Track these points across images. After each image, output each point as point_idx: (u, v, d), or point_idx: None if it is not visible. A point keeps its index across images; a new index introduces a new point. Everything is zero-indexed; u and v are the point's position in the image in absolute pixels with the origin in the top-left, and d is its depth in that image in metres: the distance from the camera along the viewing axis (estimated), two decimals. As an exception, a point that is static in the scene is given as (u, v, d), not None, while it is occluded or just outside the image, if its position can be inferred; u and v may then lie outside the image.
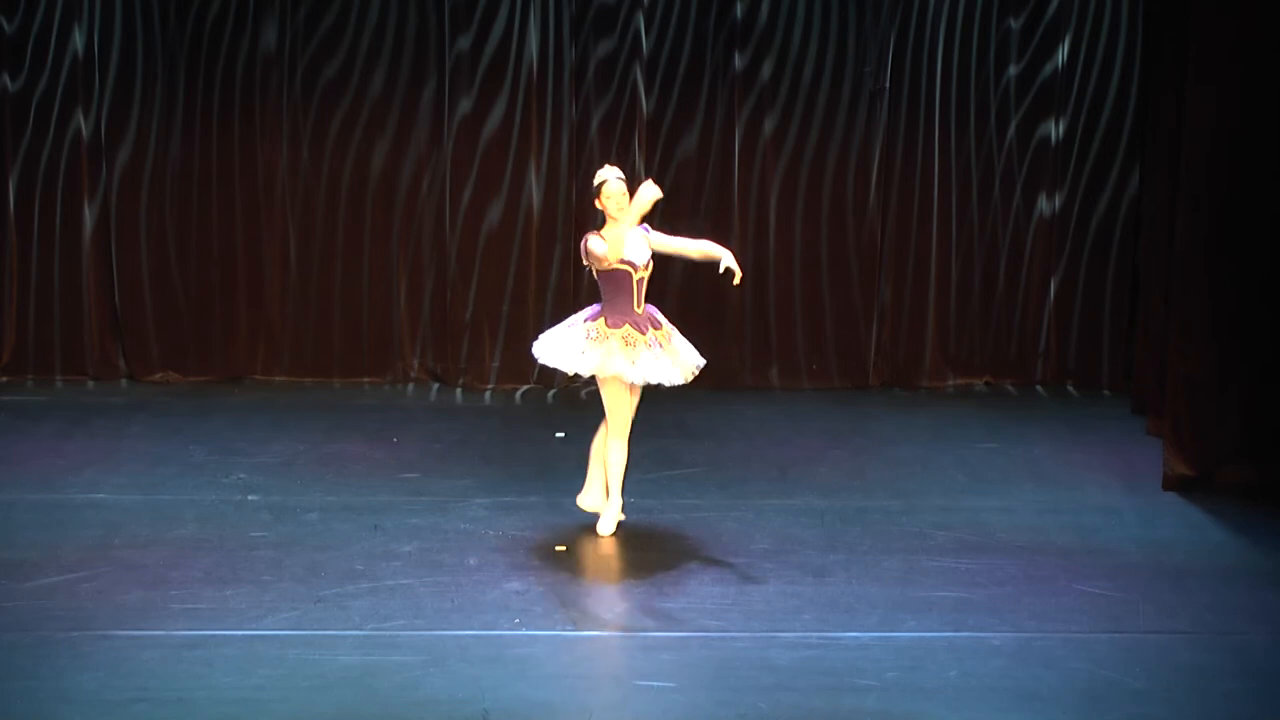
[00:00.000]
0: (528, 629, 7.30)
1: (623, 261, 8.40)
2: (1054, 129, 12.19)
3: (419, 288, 12.17)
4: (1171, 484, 9.55)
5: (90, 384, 11.97)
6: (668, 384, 8.50)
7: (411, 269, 12.16)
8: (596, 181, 8.54)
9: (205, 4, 11.82)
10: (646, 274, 8.50)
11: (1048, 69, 12.15)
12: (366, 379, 12.18)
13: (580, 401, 11.83)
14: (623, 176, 8.52)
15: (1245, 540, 8.76)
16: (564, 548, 8.40)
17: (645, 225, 8.54)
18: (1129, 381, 11.99)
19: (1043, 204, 12.28)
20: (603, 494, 8.73)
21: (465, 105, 11.97)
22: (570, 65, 11.96)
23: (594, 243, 8.40)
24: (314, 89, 11.97)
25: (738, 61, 12.01)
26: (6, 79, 11.85)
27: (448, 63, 11.93)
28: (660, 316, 8.61)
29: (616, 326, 8.43)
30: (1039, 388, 12.32)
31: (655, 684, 6.78)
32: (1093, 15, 12.09)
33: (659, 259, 8.62)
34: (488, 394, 12.00)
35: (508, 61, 11.95)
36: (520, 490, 9.43)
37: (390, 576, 7.93)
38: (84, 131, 11.89)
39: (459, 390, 12.05)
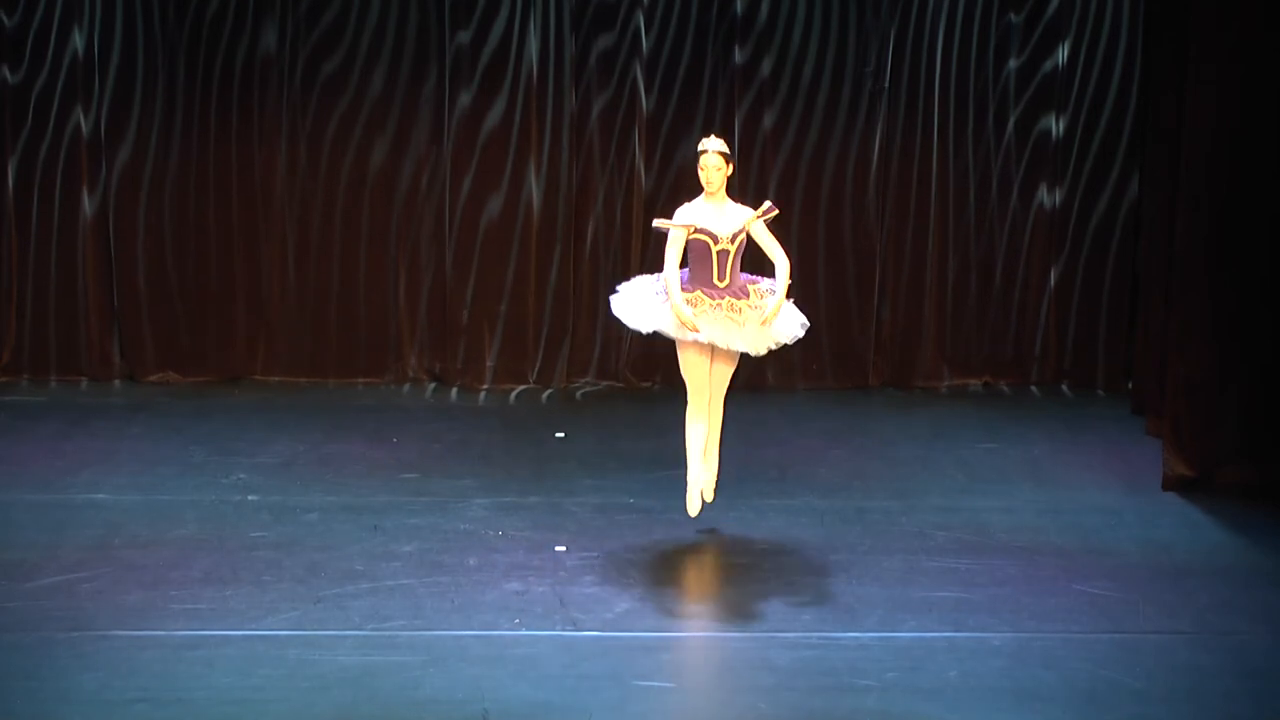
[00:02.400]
0: (528, 629, 7.30)
1: (700, 230, 8.31)
2: (1054, 126, 12.19)
3: (417, 287, 12.16)
4: (1171, 484, 9.54)
5: (89, 384, 11.96)
6: (722, 345, 8.34)
7: (410, 268, 12.15)
8: (699, 149, 8.48)
9: (204, 1, 11.81)
10: (732, 247, 8.32)
11: (1048, 65, 12.15)
12: (367, 379, 12.16)
13: (576, 402, 11.83)
14: (723, 150, 8.40)
15: (1245, 540, 8.76)
16: (564, 547, 8.40)
17: (770, 205, 8.48)
18: (1128, 381, 12.00)
19: (1043, 199, 12.27)
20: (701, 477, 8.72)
21: (465, 101, 11.96)
22: (570, 60, 11.94)
23: (676, 215, 8.39)
24: (313, 86, 11.95)
25: (738, 56, 12.00)
26: (6, 71, 11.83)
27: (448, 57, 11.92)
28: (757, 290, 8.42)
29: (688, 291, 8.33)
30: (1033, 388, 12.30)
31: (655, 684, 6.78)
32: (1093, 15, 12.09)
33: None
34: (482, 395, 11.96)
35: (508, 56, 11.94)
36: (520, 490, 9.43)
37: (390, 576, 7.92)
38: (84, 129, 11.87)
39: (456, 390, 12.03)
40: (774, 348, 8.50)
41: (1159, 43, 11.13)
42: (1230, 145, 9.33)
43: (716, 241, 8.32)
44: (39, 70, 11.81)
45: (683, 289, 8.30)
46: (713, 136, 8.51)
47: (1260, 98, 9.27)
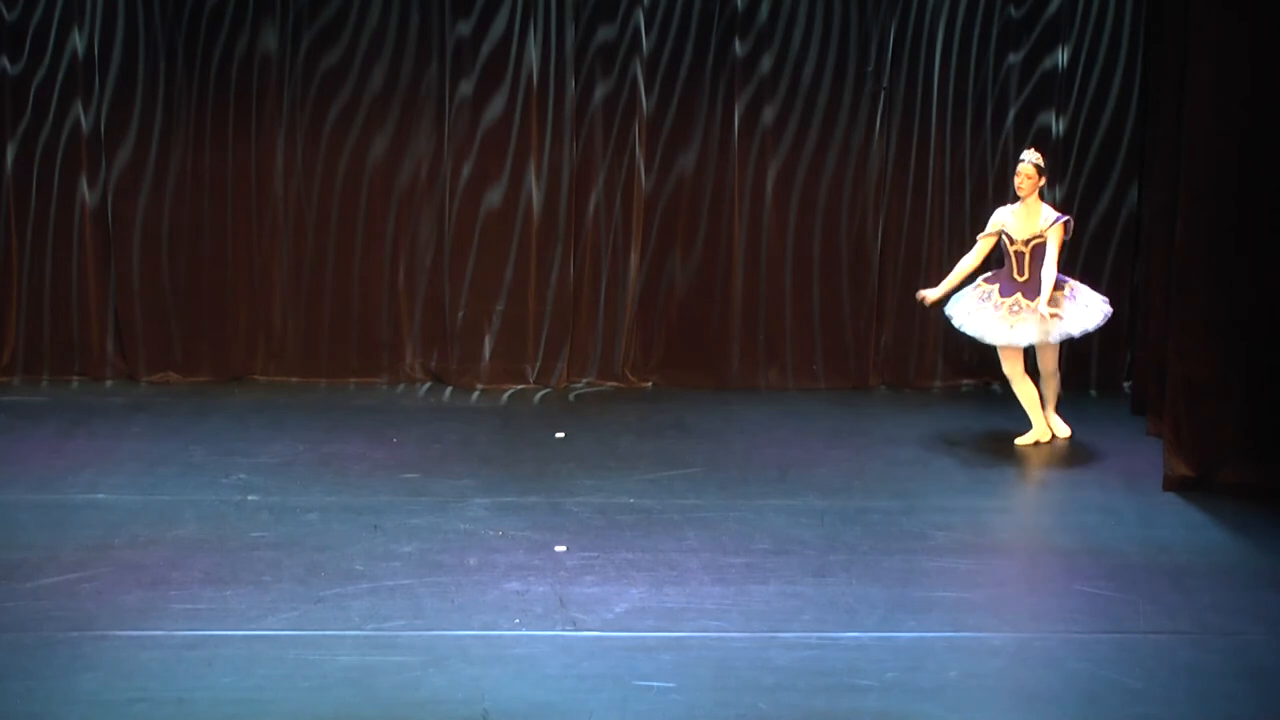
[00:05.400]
0: (528, 629, 7.30)
1: (1002, 233, 10.27)
2: (1054, 124, 12.17)
3: (416, 285, 12.15)
4: (1171, 484, 9.54)
5: (90, 384, 11.95)
6: (990, 341, 10.38)
7: (409, 266, 12.13)
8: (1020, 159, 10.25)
9: (204, -4, 11.83)
10: (1025, 249, 10.17)
11: (1048, 63, 12.13)
12: (367, 379, 12.15)
13: (575, 402, 11.82)
14: (1036, 161, 10.24)
15: (1245, 540, 8.76)
16: (564, 547, 8.40)
17: (1065, 218, 10.26)
18: (1124, 382, 12.00)
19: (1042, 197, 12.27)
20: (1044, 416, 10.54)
21: (465, 97, 11.94)
22: (571, 53, 11.93)
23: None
24: (313, 81, 11.93)
25: (738, 51, 11.98)
26: (6, 62, 11.81)
27: (448, 49, 11.89)
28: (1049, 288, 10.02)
29: (989, 283, 10.34)
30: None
31: (655, 684, 6.78)
32: (1095, 14, 12.08)
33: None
34: (476, 394, 11.93)
35: (509, 48, 11.92)
36: (520, 490, 9.43)
37: (390, 576, 7.92)
38: (84, 125, 11.85)
39: (455, 389, 12.02)
40: (1048, 339, 10.19)
41: (1160, 42, 11.13)
42: (1230, 145, 9.33)
43: (1013, 242, 10.22)
44: (39, 63, 11.78)
45: (987, 280, 10.37)
46: (1032, 149, 10.38)
47: (1260, 98, 9.27)
